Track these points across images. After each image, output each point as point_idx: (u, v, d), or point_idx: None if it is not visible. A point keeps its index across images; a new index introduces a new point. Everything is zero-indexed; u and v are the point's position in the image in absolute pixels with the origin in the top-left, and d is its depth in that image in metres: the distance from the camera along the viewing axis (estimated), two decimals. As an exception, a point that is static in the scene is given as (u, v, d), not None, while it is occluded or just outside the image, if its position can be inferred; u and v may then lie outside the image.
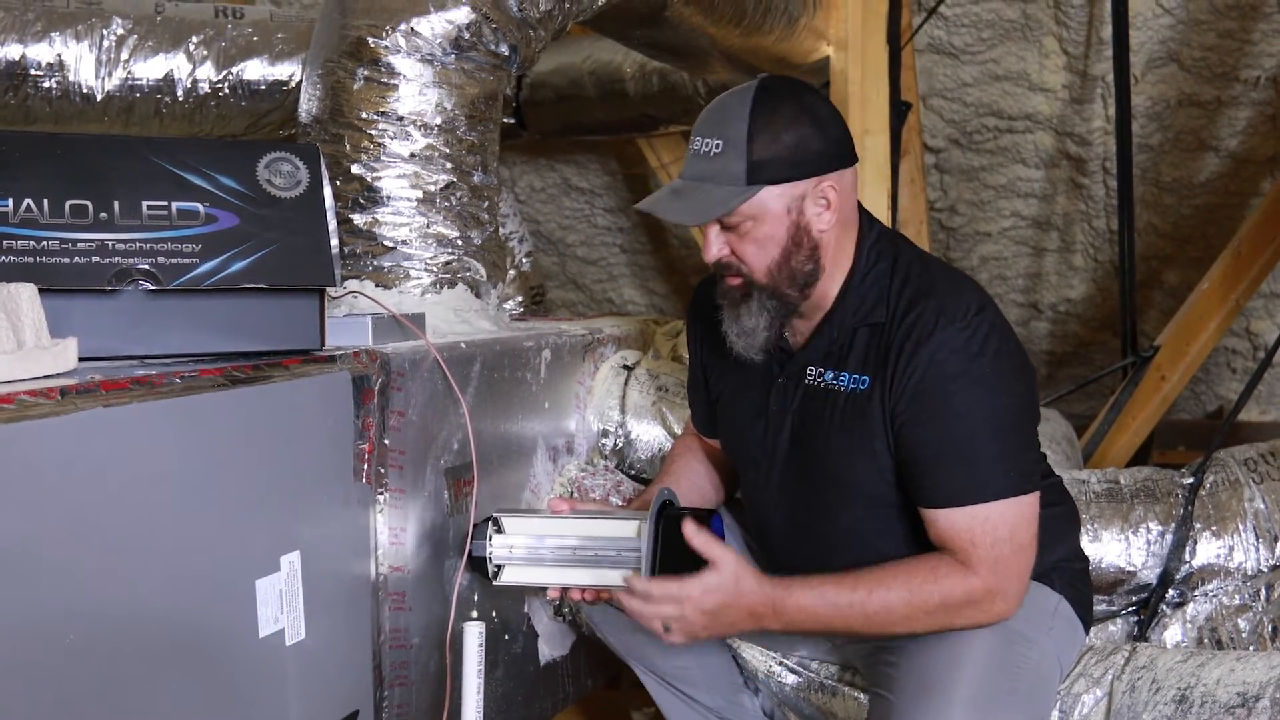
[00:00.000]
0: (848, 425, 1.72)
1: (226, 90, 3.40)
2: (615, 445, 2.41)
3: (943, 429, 1.66)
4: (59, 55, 3.29)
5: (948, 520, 1.66)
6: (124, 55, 3.33)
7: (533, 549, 1.81)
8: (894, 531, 1.76)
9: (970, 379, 1.65)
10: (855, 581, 1.66)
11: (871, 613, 1.65)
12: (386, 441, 1.73)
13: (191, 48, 3.37)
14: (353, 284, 2.09)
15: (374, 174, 2.14)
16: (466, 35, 2.18)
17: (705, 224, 1.71)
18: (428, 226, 2.16)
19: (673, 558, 1.65)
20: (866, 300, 1.74)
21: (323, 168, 1.63)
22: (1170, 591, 2.19)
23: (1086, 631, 1.86)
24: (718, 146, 1.67)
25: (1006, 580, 1.65)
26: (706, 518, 1.69)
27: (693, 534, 1.66)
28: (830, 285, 1.75)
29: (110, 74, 3.32)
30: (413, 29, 2.15)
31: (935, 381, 1.66)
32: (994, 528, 1.64)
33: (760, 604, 1.66)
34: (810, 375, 1.78)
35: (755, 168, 1.66)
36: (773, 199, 1.68)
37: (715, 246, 1.72)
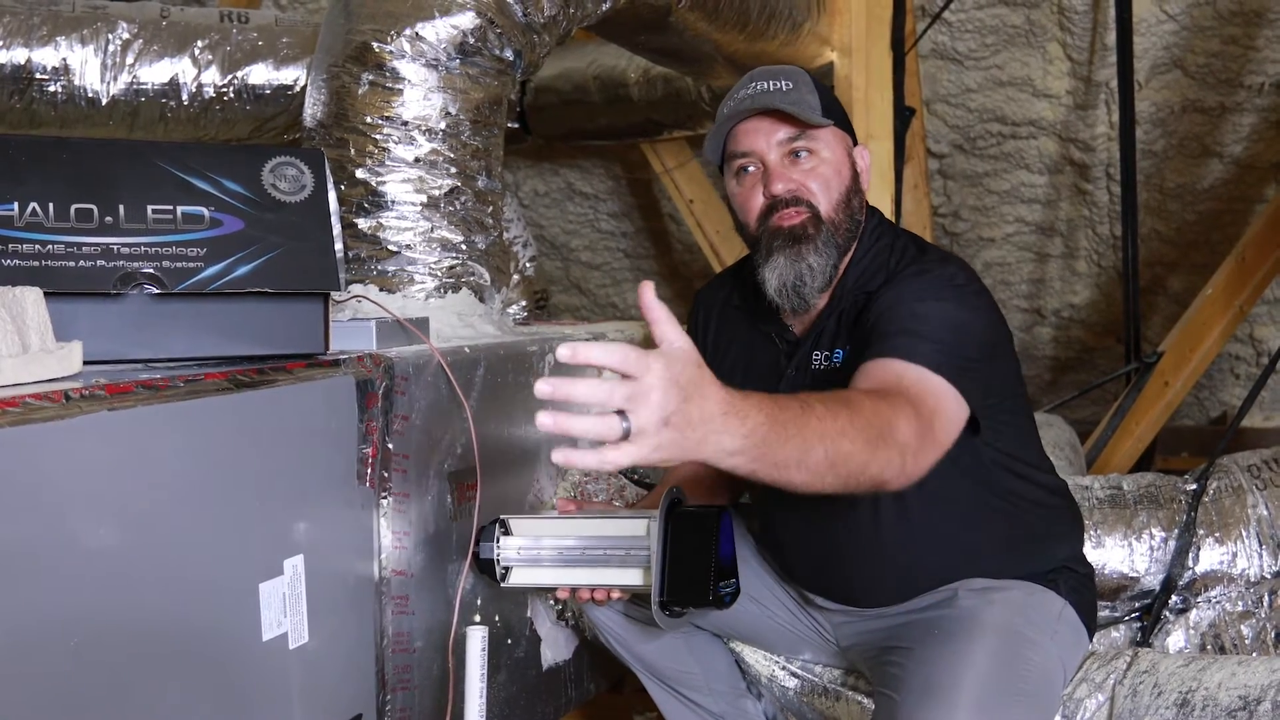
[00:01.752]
0: None
1: (231, 95, 3.40)
2: (618, 450, 2.40)
3: (900, 311, 1.64)
4: (64, 59, 3.29)
5: (888, 365, 1.56)
6: (129, 59, 3.32)
7: (541, 550, 1.80)
8: (909, 530, 1.77)
9: (934, 295, 1.67)
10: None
11: (824, 403, 1.37)
12: (390, 445, 1.73)
13: (196, 52, 3.37)
14: (357, 288, 2.09)
15: (378, 178, 2.14)
16: (471, 40, 2.18)
17: (775, 155, 1.76)
18: (432, 231, 2.16)
19: (683, 556, 1.64)
20: (867, 272, 1.79)
21: (327, 172, 1.64)
22: (1173, 598, 2.19)
23: (1090, 638, 1.86)
24: (788, 84, 1.76)
25: (930, 445, 1.48)
26: (716, 516, 1.68)
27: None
28: (840, 265, 1.80)
29: (115, 78, 3.32)
30: (417, 34, 2.15)
31: (900, 296, 1.68)
32: (928, 392, 1.52)
33: (720, 392, 1.23)
34: (816, 360, 1.79)
35: (825, 106, 1.78)
36: (838, 139, 1.80)
37: (785, 178, 1.76)
